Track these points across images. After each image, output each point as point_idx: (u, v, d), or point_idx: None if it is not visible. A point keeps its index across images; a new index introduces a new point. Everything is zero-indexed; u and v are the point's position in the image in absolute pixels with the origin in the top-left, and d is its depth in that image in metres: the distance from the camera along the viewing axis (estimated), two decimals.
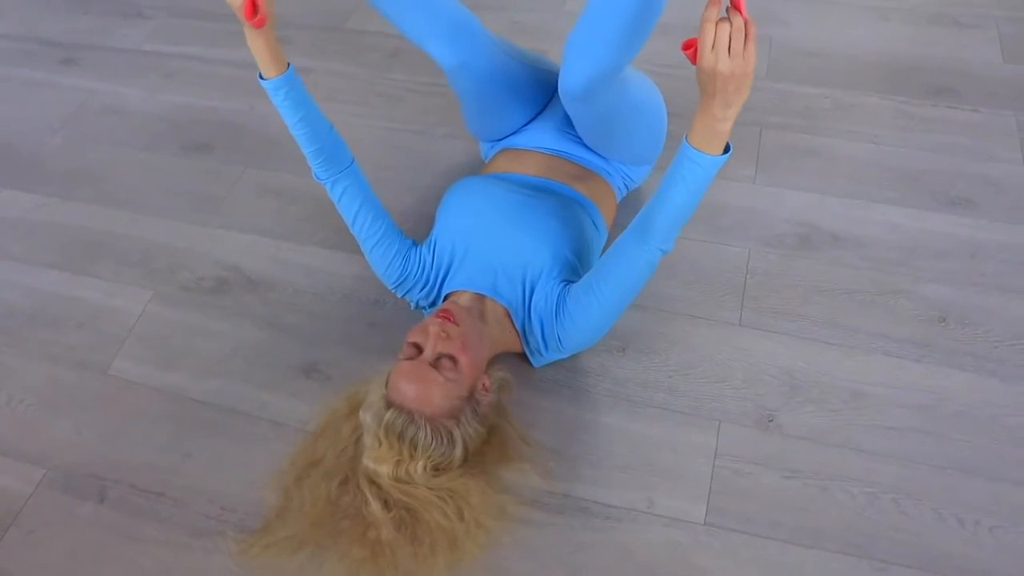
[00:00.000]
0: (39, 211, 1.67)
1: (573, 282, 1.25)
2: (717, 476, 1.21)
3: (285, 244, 1.55)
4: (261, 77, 1.21)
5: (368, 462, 1.10)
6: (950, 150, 1.62)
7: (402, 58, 1.96)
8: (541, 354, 1.29)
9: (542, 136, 1.43)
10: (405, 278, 1.31)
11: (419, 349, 1.14)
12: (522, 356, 1.31)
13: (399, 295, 1.34)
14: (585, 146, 1.42)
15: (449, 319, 1.16)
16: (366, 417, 1.13)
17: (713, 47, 0.92)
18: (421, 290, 1.31)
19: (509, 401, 1.23)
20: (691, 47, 0.96)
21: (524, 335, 1.28)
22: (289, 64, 1.21)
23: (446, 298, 1.30)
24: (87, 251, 1.58)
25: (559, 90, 1.22)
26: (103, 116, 1.87)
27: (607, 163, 1.43)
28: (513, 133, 1.48)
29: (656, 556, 1.14)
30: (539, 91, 1.44)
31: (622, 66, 1.16)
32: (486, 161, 1.54)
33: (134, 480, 1.24)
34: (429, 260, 1.31)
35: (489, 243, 1.27)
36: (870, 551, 1.13)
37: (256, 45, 1.18)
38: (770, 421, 1.26)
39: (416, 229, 1.54)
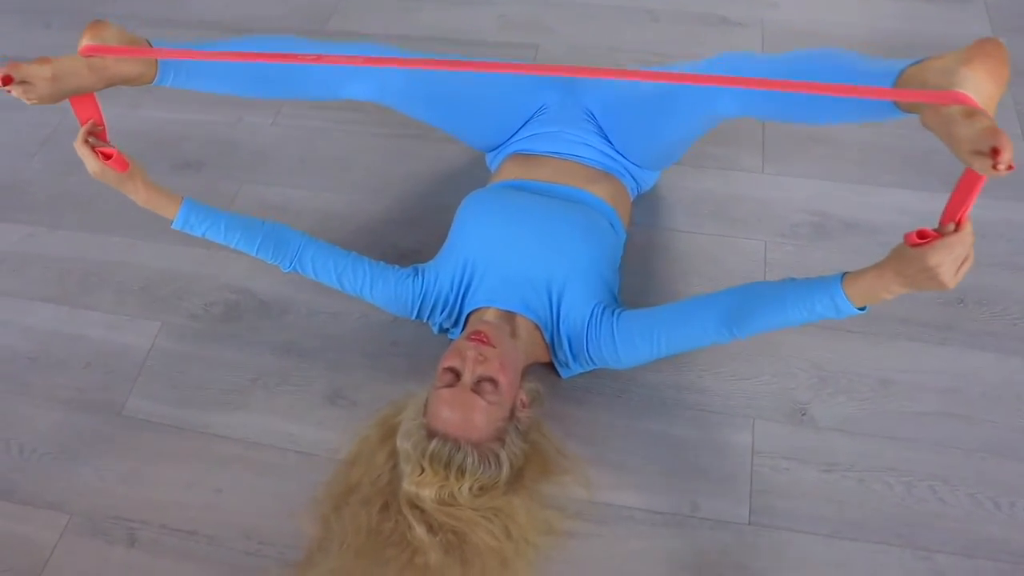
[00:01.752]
0: (27, 242, 1.60)
1: (605, 301, 1.23)
2: (757, 474, 1.21)
3: None
4: (172, 225, 1.23)
5: (410, 486, 1.08)
6: None
7: None
8: (569, 367, 1.27)
9: (551, 140, 1.40)
10: (423, 301, 1.28)
11: (456, 374, 1.11)
12: (548, 366, 1.30)
13: (423, 320, 1.31)
14: (595, 148, 1.39)
15: (484, 341, 1.13)
16: (406, 445, 1.10)
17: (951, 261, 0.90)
18: (442, 311, 1.28)
19: (542, 413, 1.22)
20: (925, 239, 0.89)
21: (553, 348, 1.26)
22: (181, 196, 1.22)
23: (469, 316, 1.27)
24: (84, 282, 1.51)
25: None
26: None
27: (619, 165, 1.41)
28: (513, 138, 1.44)
29: (705, 560, 1.14)
30: (509, 92, 1.40)
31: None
32: (492, 169, 1.51)
33: (164, 520, 1.21)
34: (447, 277, 1.27)
35: (511, 255, 1.24)
36: (912, 540, 1.15)
37: (142, 196, 1.19)
38: (803, 415, 1.27)
39: (427, 239, 1.50)
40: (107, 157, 1.12)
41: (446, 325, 1.30)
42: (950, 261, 0.89)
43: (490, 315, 1.23)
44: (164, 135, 1.77)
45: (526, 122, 1.44)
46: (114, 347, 1.41)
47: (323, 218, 1.58)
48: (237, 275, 1.49)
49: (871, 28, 1.87)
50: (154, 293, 1.48)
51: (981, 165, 0.78)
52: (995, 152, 0.76)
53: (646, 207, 1.54)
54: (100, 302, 1.48)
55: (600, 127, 1.40)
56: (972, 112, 0.81)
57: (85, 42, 1.09)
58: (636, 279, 1.43)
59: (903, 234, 0.92)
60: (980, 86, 0.85)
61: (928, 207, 1.51)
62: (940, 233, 0.89)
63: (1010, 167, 0.76)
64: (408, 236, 1.54)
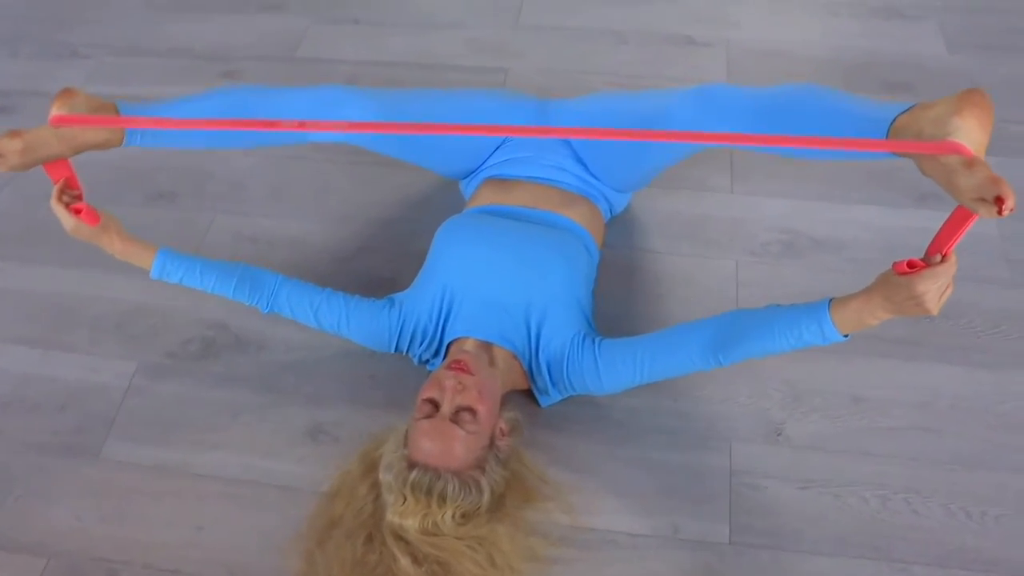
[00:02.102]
0: None
1: (584, 329, 1.25)
2: (736, 493, 1.23)
3: None
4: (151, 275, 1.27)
5: (393, 517, 1.09)
6: None
7: (360, 85, 1.91)
8: (548, 394, 1.28)
9: (525, 165, 1.42)
10: (401, 332, 1.28)
11: (435, 405, 1.12)
12: (527, 395, 1.31)
13: (403, 352, 1.32)
14: (570, 172, 1.41)
15: (463, 370, 1.14)
16: (387, 477, 1.11)
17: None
18: (422, 343, 1.29)
19: (521, 442, 1.23)
20: (914, 268, 0.95)
21: (531, 375, 1.27)
22: (156, 246, 1.27)
23: (449, 346, 1.28)
24: (57, 320, 1.50)
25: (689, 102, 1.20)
26: None
27: (594, 188, 1.43)
28: (486, 164, 1.46)
29: None
30: (477, 122, 1.40)
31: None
32: (466, 195, 1.52)
33: (146, 559, 1.19)
34: (425, 307, 1.28)
35: (489, 282, 1.25)
36: (889, 553, 1.17)
37: (118, 248, 1.24)
38: (778, 435, 1.29)
39: (402, 267, 1.51)
40: (77, 212, 1.17)
41: (426, 356, 1.31)
42: (935, 289, 0.95)
43: (470, 345, 1.24)
44: (137, 166, 1.76)
45: (497, 148, 1.45)
46: (90, 388, 1.39)
47: (298, 247, 1.58)
48: (213, 310, 1.48)
49: (831, 46, 1.92)
50: (129, 331, 1.47)
51: (987, 211, 0.84)
52: (999, 200, 0.82)
53: (619, 229, 1.56)
54: (75, 342, 1.46)
55: (575, 151, 1.41)
56: (970, 162, 0.86)
57: (55, 111, 1.12)
58: (611, 301, 1.44)
59: (892, 262, 0.98)
60: (971, 135, 0.90)
61: (894, 222, 1.56)
62: (927, 263, 0.95)
63: (1012, 210, 0.83)
64: (383, 264, 1.55)
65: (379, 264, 1.55)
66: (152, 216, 1.66)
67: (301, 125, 0.88)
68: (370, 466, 1.17)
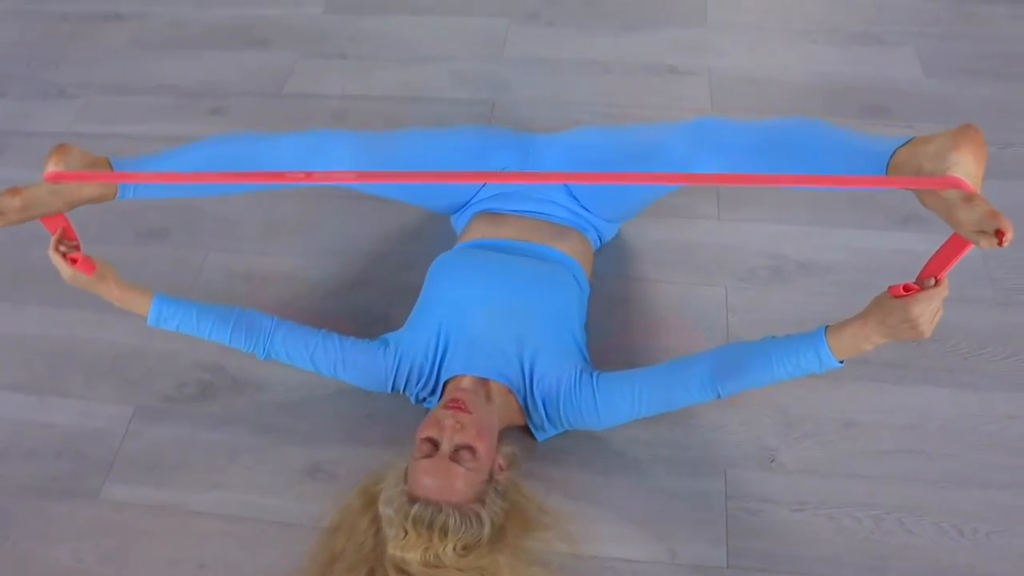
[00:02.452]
0: None
1: (580, 364, 1.26)
2: (732, 517, 1.25)
3: None
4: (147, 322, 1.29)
5: (395, 551, 1.10)
6: None
7: (348, 120, 1.93)
8: (544, 429, 1.30)
9: (515, 198, 1.44)
10: (397, 372, 1.29)
11: (434, 444, 1.13)
12: (524, 430, 1.32)
13: (400, 391, 1.32)
14: (560, 204, 1.43)
15: (461, 409, 1.16)
16: (387, 511, 1.12)
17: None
18: (419, 382, 1.30)
19: (519, 475, 1.24)
20: (909, 291, 0.99)
21: (527, 410, 1.28)
22: (152, 291, 1.29)
23: (445, 384, 1.29)
24: (52, 364, 1.50)
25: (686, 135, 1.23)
26: None
27: (584, 220, 1.45)
28: (475, 199, 1.47)
29: None
30: (464, 161, 1.42)
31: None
32: (458, 230, 1.54)
33: None
34: (420, 346, 1.29)
35: (482, 320, 1.27)
36: (884, 572, 1.19)
37: (115, 296, 1.27)
38: (771, 461, 1.31)
39: (397, 301, 1.52)
40: (73, 261, 1.20)
41: (423, 395, 1.32)
42: (929, 312, 0.99)
43: (466, 382, 1.25)
44: (128, 204, 1.76)
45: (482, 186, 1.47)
46: (87, 434, 1.39)
47: (292, 283, 1.59)
48: (209, 352, 1.48)
49: (812, 72, 1.96)
50: (125, 375, 1.47)
51: (987, 243, 0.88)
52: (1000, 233, 0.86)
53: (608, 257, 1.58)
54: (70, 387, 1.46)
55: (565, 183, 1.44)
56: (970, 197, 0.90)
57: (50, 167, 1.15)
58: (603, 329, 1.46)
59: (882, 285, 1.01)
60: (968, 169, 0.94)
61: (878, 245, 1.59)
62: (921, 286, 0.99)
63: (1011, 242, 0.87)
64: (378, 298, 1.56)
65: (374, 298, 1.56)
66: (144, 254, 1.67)
67: (308, 176, 0.90)
68: (370, 500, 1.18)
